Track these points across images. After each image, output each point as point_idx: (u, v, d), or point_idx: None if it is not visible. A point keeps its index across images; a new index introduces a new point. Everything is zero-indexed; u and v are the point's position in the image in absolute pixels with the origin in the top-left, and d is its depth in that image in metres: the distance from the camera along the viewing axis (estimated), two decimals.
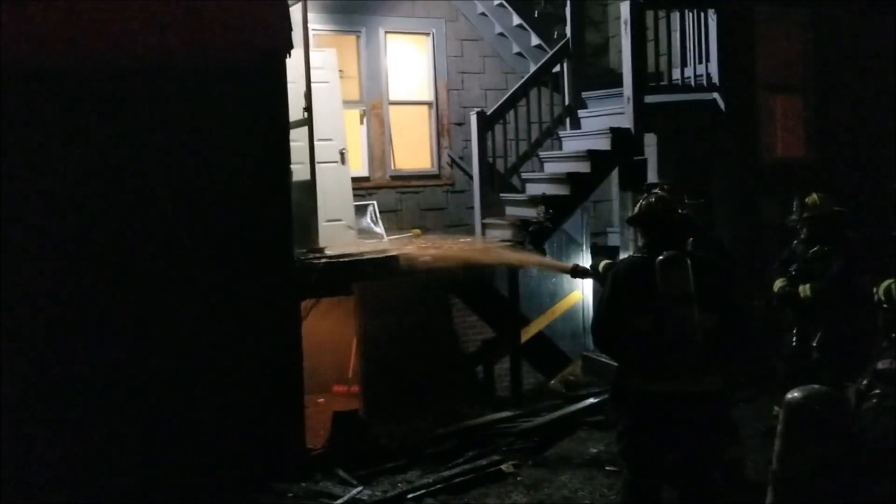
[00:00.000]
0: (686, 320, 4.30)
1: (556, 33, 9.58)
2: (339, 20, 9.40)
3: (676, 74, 8.26)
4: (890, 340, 5.11)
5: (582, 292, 9.66)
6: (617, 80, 8.34)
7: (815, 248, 6.52)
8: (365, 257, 7.31)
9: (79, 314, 5.89)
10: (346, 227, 8.41)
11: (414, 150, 10.01)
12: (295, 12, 7.10)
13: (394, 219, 9.51)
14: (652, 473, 4.52)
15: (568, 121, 9.17)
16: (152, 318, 6.09)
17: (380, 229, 9.04)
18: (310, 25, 7.80)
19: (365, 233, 8.87)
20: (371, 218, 9.10)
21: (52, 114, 5.84)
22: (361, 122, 9.67)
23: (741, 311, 5.12)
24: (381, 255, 7.36)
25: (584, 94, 9.11)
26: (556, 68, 9.07)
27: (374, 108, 9.64)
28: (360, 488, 5.97)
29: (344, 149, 8.46)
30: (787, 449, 4.34)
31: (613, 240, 9.83)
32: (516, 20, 9.77)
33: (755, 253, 7.84)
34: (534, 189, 8.71)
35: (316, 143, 7.51)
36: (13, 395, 5.66)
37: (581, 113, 9.08)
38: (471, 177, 9.28)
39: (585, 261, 9.52)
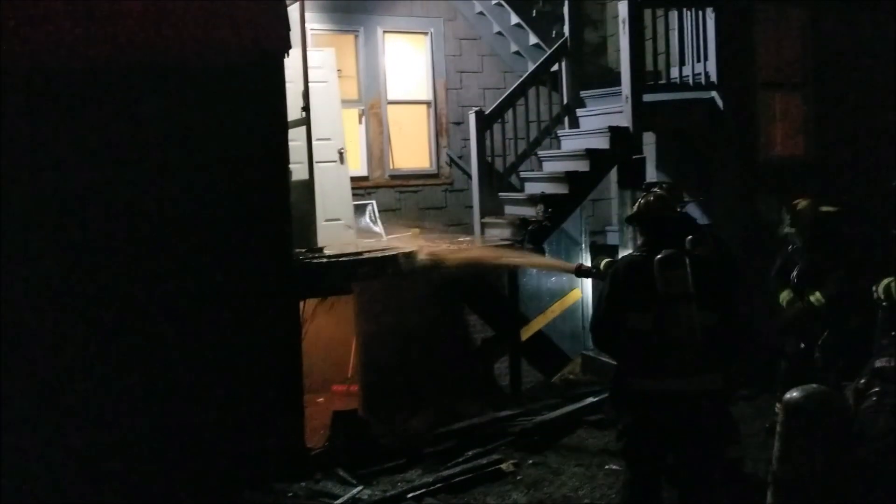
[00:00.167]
0: (685, 319, 4.29)
1: (554, 32, 9.58)
2: (337, 20, 9.41)
3: (675, 73, 8.27)
4: (889, 339, 5.12)
5: (581, 291, 9.66)
6: (615, 79, 8.34)
7: (815, 253, 6.49)
8: (364, 257, 7.31)
9: (76, 314, 5.88)
10: (345, 227, 8.42)
11: (413, 150, 10.02)
12: (293, 12, 7.10)
13: (393, 218, 9.51)
14: (652, 472, 4.52)
15: (566, 120, 9.16)
16: (151, 318, 6.08)
17: (379, 229, 9.04)
18: (308, 25, 7.81)
19: (364, 232, 8.87)
20: (370, 217, 9.10)
21: (48, 112, 5.84)
22: (360, 122, 9.67)
23: (741, 309, 5.13)
24: (380, 255, 7.36)
25: (583, 93, 9.11)
26: (555, 67, 9.07)
27: (372, 107, 9.64)
28: (359, 488, 5.97)
29: (343, 148, 8.47)
30: (787, 449, 4.34)
31: (612, 238, 9.83)
32: (514, 19, 9.78)
33: (754, 251, 7.82)
34: (533, 188, 8.71)
35: (314, 142, 7.51)
36: (12, 394, 5.65)
37: (580, 112, 9.08)
38: (469, 176, 9.28)
39: (585, 259, 9.53)
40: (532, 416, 7.19)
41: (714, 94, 8.12)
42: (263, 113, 6.53)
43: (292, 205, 6.77)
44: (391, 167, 9.78)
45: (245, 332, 6.37)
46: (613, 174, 8.97)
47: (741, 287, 5.87)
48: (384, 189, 9.63)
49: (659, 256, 4.38)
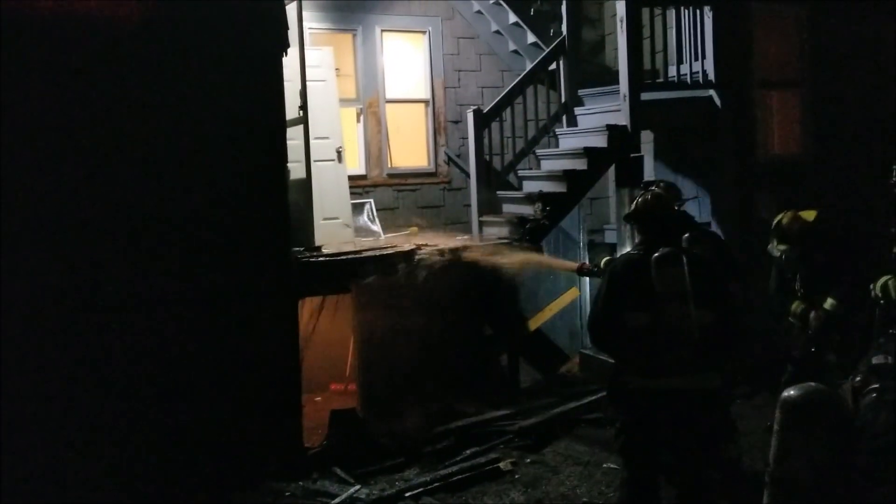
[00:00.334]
0: (682, 317, 4.30)
1: (552, 31, 9.58)
2: (335, 18, 9.41)
3: (673, 71, 8.26)
4: (887, 336, 5.11)
5: (580, 289, 9.66)
6: (613, 78, 8.34)
7: (813, 261, 6.46)
8: (362, 255, 7.31)
9: (71, 313, 5.87)
10: (343, 226, 8.42)
11: (411, 148, 10.02)
12: (290, 11, 7.10)
13: (391, 217, 9.52)
14: (650, 471, 4.52)
15: (564, 118, 9.16)
16: (147, 318, 6.07)
17: (377, 227, 9.04)
18: (306, 24, 7.80)
19: (362, 231, 8.87)
20: (368, 216, 9.11)
21: (46, 111, 5.83)
22: (358, 121, 9.67)
23: (738, 307, 5.13)
24: (378, 254, 7.36)
25: (581, 92, 9.11)
26: (553, 66, 9.07)
27: (370, 106, 9.64)
28: (357, 487, 5.97)
29: (341, 147, 8.47)
30: (784, 448, 4.34)
31: (610, 237, 9.83)
32: (512, 18, 9.78)
33: (752, 249, 7.82)
34: (531, 186, 8.71)
35: (312, 141, 7.51)
36: (11, 393, 5.65)
37: (577, 110, 9.08)
38: (467, 174, 9.28)
39: (584, 258, 9.53)
40: (530, 414, 7.20)
41: (712, 92, 8.12)
42: (262, 112, 6.52)
43: (290, 204, 6.76)
44: (389, 166, 9.78)
45: (243, 331, 6.37)
46: (611, 172, 8.97)
47: (740, 285, 5.86)
48: (382, 188, 9.63)
49: (656, 255, 4.39)
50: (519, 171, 9.10)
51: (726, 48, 8.09)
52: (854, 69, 8.63)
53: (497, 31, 9.99)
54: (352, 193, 8.70)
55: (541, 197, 8.14)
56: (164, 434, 6.07)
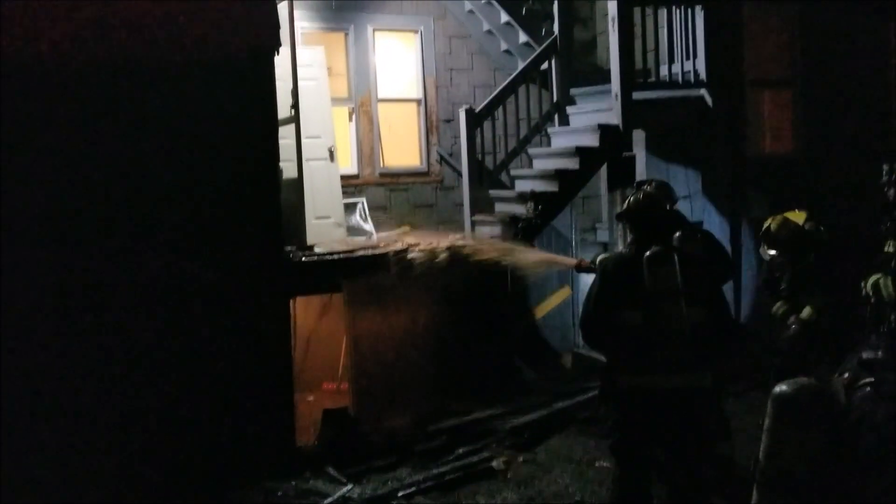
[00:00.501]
0: (674, 315, 4.32)
1: (543, 30, 9.59)
2: (326, 17, 9.39)
3: (664, 71, 8.28)
4: (878, 334, 5.13)
5: (572, 288, 9.66)
6: (605, 77, 8.34)
7: (799, 264, 6.52)
8: (354, 254, 7.30)
9: (63, 311, 5.87)
10: (335, 225, 8.41)
11: (403, 148, 10.00)
12: (282, 10, 7.09)
13: (383, 216, 9.50)
14: (641, 468, 4.53)
15: (556, 117, 9.16)
16: (140, 316, 6.06)
17: (369, 226, 9.03)
18: (298, 23, 7.79)
19: (354, 230, 8.86)
20: (360, 215, 9.09)
21: (43, 109, 5.83)
22: (350, 120, 9.66)
23: (730, 305, 5.14)
24: (370, 253, 7.36)
25: (573, 91, 9.11)
26: (545, 65, 9.07)
27: (362, 105, 9.63)
28: (350, 486, 5.97)
29: (332, 146, 8.45)
30: (776, 444, 4.34)
31: (602, 236, 9.84)
32: (504, 17, 9.78)
33: (744, 247, 7.86)
34: (523, 186, 8.71)
35: (304, 140, 7.50)
36: (9, 392, 5.64)
37: (569, 109, 9.08)
38: (460, 174, 9.28)
39: (576, 256, 9.52)
40: (522, 413, 7.20)
41: (703, 91, 8.13)
42: (253, 111, 6.51)
43: (282, 203, 6.75)
44: (381, 165, 9.76)
45: (235, 330, 6.36)
46: (603, 172, 8.98)
47: (731, 282, 5.88)
48: (374, 187, 9.62)
49: (648, 253, 4.40)
50: (511, 171, 9.11)
51: (717, 47, 8.11)
52: (845, 68, 8.66)
53: (489, 31, 9.99)
54: (344, 193, 8.69)
55: (533, 196, 8.14)
56: (155, 433, 6.05)
